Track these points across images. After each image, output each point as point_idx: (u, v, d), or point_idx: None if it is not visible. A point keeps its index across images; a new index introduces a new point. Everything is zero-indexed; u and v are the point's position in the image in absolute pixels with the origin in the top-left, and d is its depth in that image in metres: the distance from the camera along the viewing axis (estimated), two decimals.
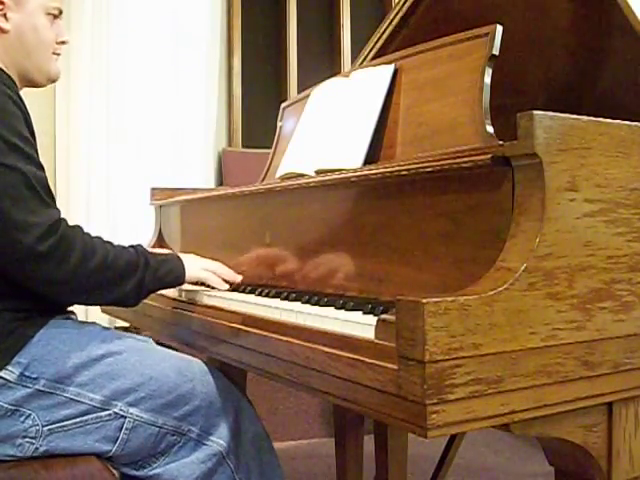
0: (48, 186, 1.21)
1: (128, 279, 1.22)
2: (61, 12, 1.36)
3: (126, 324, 1.86)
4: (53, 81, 1.37)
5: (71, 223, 1.21)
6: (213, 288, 1.40)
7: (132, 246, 1.29)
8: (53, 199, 1.22)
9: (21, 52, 1.30)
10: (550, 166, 0.84)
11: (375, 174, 1.14)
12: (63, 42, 1.37)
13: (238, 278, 1.43)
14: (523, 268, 0.81)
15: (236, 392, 1.36)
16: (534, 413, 0.82)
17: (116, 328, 1.76)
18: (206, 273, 1.38)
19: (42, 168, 1.21)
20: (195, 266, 1.37)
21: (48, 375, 1.19)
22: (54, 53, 1.35)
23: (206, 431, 1.27)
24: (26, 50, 1.30)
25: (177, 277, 1.33)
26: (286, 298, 1.20)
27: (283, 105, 1.90)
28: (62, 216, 1.20)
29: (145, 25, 3.35)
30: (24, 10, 1.29)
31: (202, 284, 1.43)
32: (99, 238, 1.23)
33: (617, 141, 0.91)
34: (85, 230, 1.23)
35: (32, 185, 1.16)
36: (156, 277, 1.27)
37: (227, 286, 1.39)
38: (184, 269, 1.34)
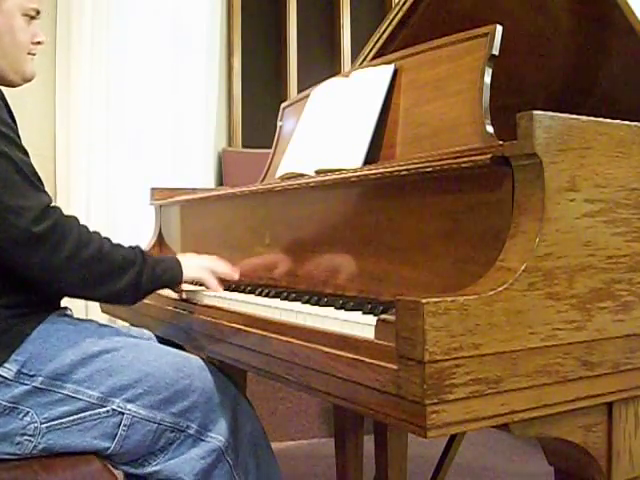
0: (35, 171, 1.21)
1: (124, 274, 1.22)
2: (38, 12, 1.35)
3: (126, 324, 1.86)
4: (28, 81, 1.37)
5: None
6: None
7: (130, 247, 1.29)
8: (42, 183, 1.22)
9: None
10: (550, 166, 0.84)
11: (375, 174, 1.14)
12: (39, 42, 1.36)
13: (235, 276, 1.44)
14: (523, 268, 0.81)
15: (233, 389, 1.36)
16: (534, 413, 0.82)
17: None
18: (203, 273, 1.38)
19: (27, 154, 1.22)
20: (193, 266, 1.37)
21: (46, 372, 1.19)
22: (29, 53, 1.35)
23: (205, 427, 1.27)
24: (2, 50, 1.30)
25: (174, 276, 1.33)
26: (286, 298, 1.20)
27: (283, 105, 1.90)
28: (56, 205, 1.20)
29: (145, 25, 3.34)
30: (0, 10, 1.28)
31: (200, 284, 1.43)
32: (97, 233, 1.23)
33: (617, 141, 0.91)
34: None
35: (21, 170, 1.16)
36: (153, 275, 1.28)
37: (222, 289, 1.40)
38: (181, 269, 1.34)
